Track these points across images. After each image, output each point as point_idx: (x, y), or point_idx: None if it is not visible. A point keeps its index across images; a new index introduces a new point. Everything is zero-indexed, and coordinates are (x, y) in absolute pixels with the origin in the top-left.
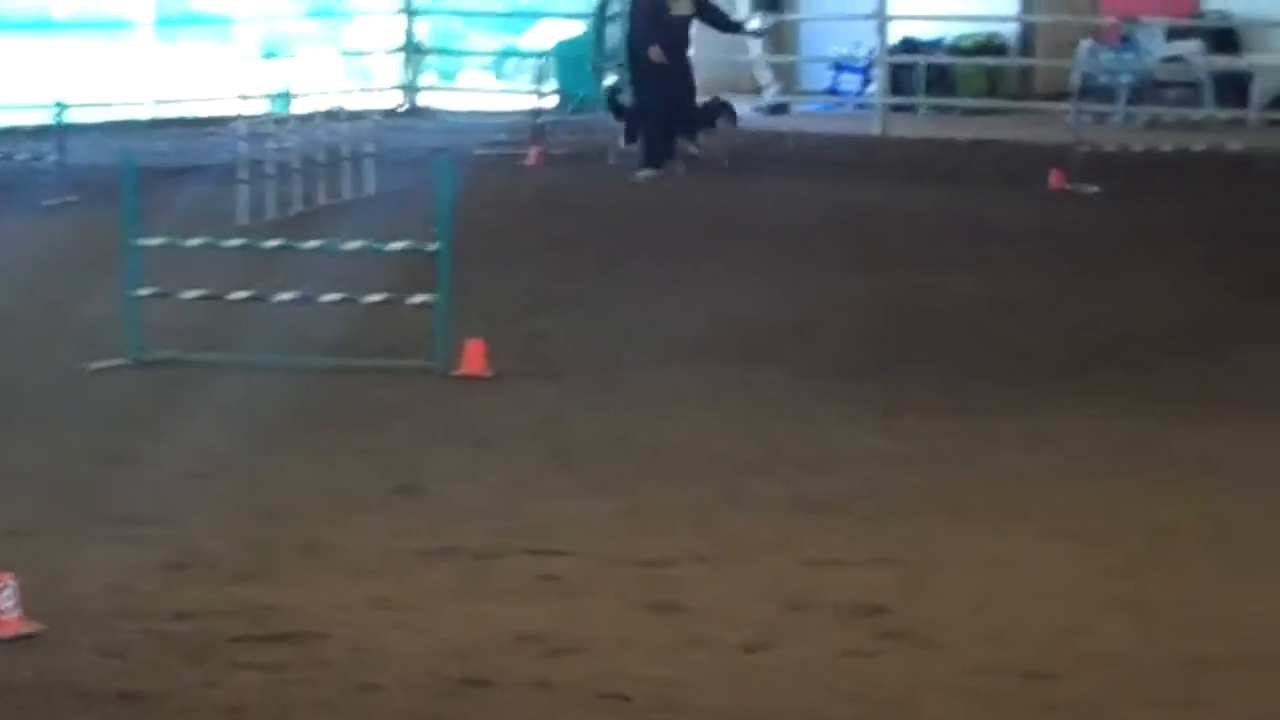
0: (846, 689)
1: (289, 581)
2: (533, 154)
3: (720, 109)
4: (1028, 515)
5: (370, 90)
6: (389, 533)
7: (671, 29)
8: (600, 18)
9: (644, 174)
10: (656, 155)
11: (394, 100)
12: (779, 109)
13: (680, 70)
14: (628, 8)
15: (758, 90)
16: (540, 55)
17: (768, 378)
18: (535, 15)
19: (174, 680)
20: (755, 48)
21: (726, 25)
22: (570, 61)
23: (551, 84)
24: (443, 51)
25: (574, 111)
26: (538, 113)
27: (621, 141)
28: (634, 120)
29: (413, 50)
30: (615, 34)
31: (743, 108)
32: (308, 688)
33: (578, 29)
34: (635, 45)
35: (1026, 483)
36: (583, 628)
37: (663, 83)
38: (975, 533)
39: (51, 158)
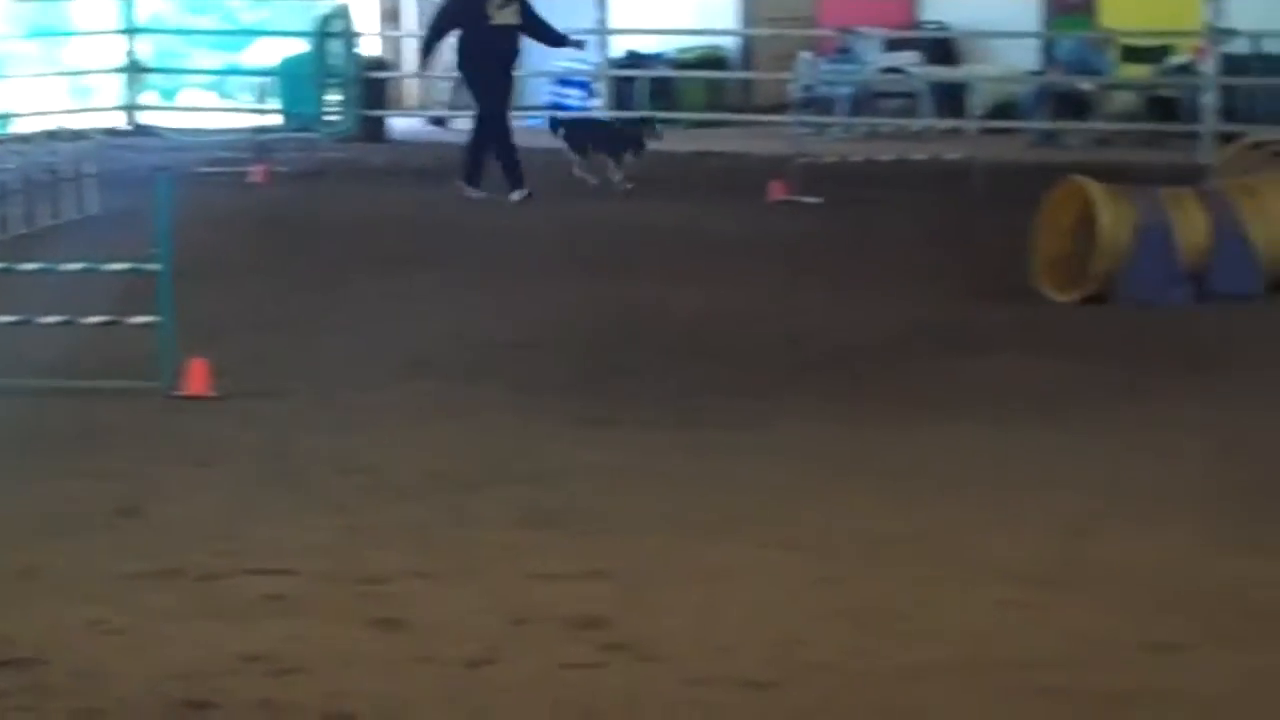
0: (570, 701)
1: (8, 607)
2: (257, 172)
3: (643, 125)
4: (747, 527)
5: (92, 110)
6: (110, 555)
7: (493, 39)
8: (322, 35)
9: (515, 195)
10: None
11: (116, 120)
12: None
13: (500, 83)
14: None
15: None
16: (263, 73)
17: (490, 394)
18: (257, 33)
19: None
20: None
21: (552, 38)
22: (294, 79)
23: (275, 102)
24: (164, 70)
25: (298, 129)
26: (261, 130)
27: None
28: (575, 137)
29: (134, 69)
30: (338, 51)
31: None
32: (29, 714)
33: (301, 47)
34: (460, 56)
35: (746, 494)
36: (307, 646)
37: (480, 94)
38: (696, 545)
39: None
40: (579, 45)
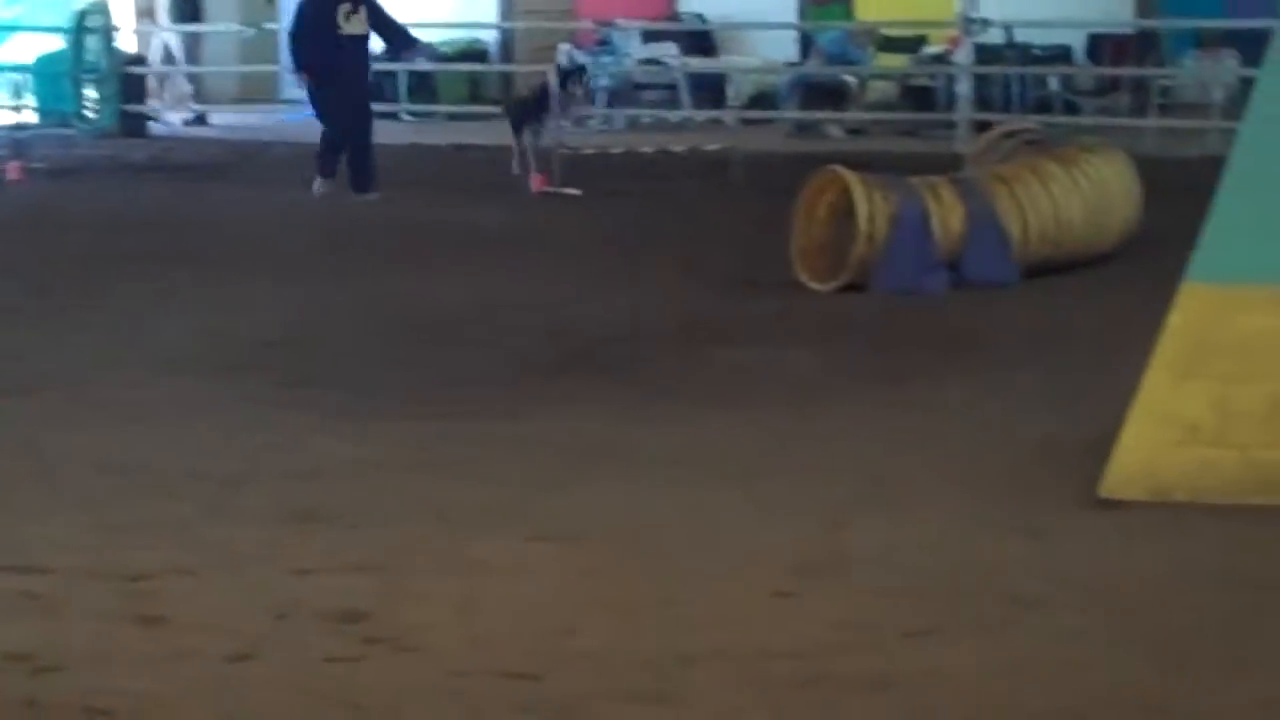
0: (332, 695)
1: None
2: (12, 169)
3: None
4: (512, 519)
5: None
6: None
7: (345, 50)
8: (79, 31)
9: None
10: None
11: None
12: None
13: (360, 96)
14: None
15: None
16: (19, 70)
17: (251, 390)
18: (12, 29)
19: None
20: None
21: (403, 40)
22: (50, 75)
23: (31, 98)
24: None
25: (55, 125)
26: (18, 127)
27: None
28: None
29: None
30: (95, 47)
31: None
32: None
33: (57, 43)
34: (305, 69)
35: (511, 486)
36: (66, 644)
37: (341, 110)
38: (459, 537)
39: None
40: (426, 47)
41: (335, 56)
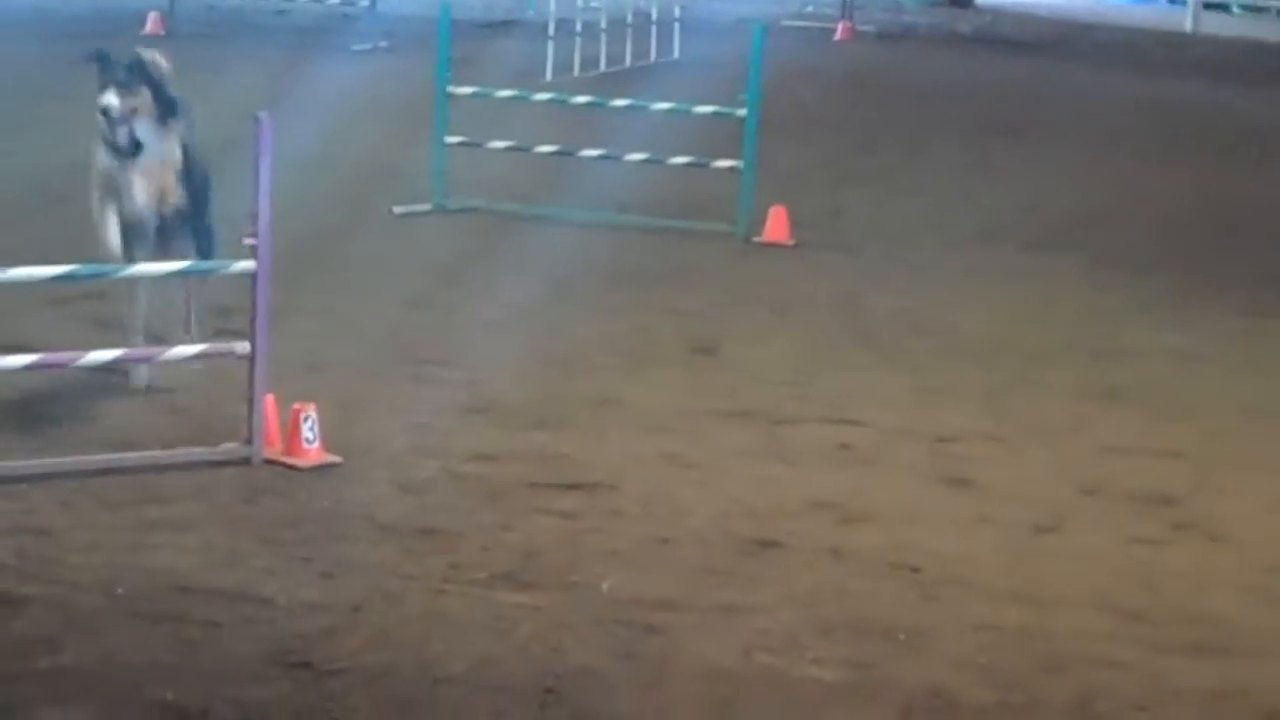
0: (1136, 576)
1: (584, 432)
2: (840, 28)
3: None
4: None
5: None
6: (684, 391)
7: None
8: None
9: None
10: None
11: None
12: None
13: None
14: None
15: None
16: None
17: (1062, 267)
18: None
19: (470, 520)
20: None
21: None
22: None
23: None
24: None
25: None
26: None
27: None
28: None
29: None
30: None
31: None
32: (601, 536)
33: None
34: None
35: None
36: (874, 498)
37: None
38: (1268, 434)
39: (364, 3)
40: None
41: None
